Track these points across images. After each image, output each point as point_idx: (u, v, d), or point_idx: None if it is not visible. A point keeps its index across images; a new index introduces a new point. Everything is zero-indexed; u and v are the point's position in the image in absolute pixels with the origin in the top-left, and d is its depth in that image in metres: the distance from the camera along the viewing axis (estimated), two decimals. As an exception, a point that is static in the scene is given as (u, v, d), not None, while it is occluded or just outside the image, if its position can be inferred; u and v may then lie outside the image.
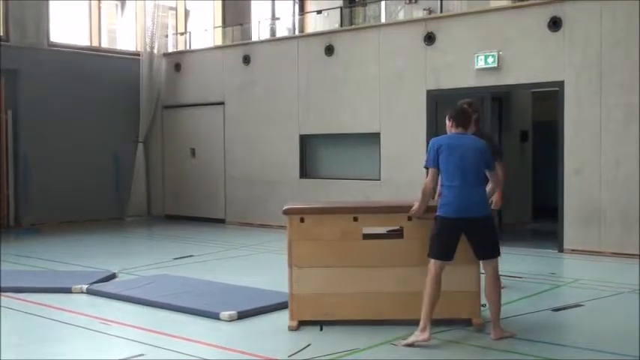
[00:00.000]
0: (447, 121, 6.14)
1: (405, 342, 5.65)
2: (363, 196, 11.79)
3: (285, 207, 6.30)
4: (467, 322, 6.15)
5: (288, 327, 6.06)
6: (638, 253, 9.55)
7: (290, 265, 6.19)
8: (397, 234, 6.28)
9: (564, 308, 6.91)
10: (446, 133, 6.16)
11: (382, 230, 6.44)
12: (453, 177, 5.80)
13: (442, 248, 5.77)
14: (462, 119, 6.10)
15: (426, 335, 5.63)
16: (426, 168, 6.01)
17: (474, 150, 5.91)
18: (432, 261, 5.77)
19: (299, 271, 6.16)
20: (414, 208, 6.06)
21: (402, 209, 6.20)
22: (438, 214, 5.83)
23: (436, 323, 5.82)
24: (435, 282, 5.70)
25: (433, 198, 6.17)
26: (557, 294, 7.77)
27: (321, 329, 6.09)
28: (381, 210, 6.45)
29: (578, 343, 5.75)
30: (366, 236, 6.27)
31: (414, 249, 6.12)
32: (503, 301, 6.16)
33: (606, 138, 9.98)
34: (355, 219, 6.23)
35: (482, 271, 5.98)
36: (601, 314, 6.75)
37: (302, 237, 6.18)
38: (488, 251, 5.86)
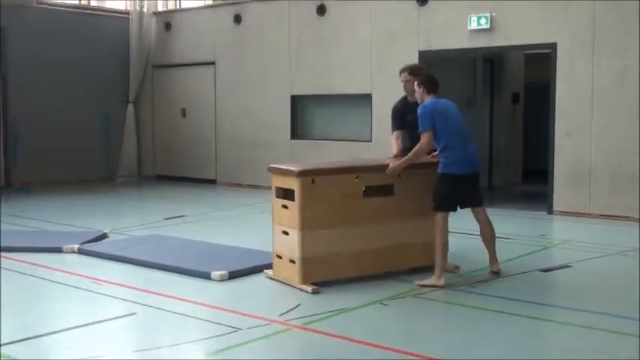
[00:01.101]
0: (417, 87, 6.57)
1: (422, 282, 6.25)
2: (352, 157, 11.77)
3: (297, 169, 6.15)
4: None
5: (312, 290, 5.96)
6: (624, 215, 9.65)
7: (302, 228, 6.05)
8: (389, 190, 6.51)
9: (553, 269, 6.98)
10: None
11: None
12: (455, 138, 6.35)
13: (453, 202, 6.40)
14: (433, 85, 6.55)
15: (442, 281, 6.23)
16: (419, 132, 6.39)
17: (458, 112, 6.52)
18: (440, 214, 6.31)
19: (310, 233, 6.09)
20: (392, 165, 6.45)
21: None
22: (447, 172, 6.32)
23: (407, 272, 6.53)
24: (445, 233, 6.34)
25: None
26: (546, 255, 7.84)
27: (311, 290, 6.13)
28: (382, 168, 6.52)
29: (567, 303, 5.83)
30: (366, 194, 6.38)
31: (405, 203, 6.53)
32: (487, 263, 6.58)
33: (598, 100, 9.97)
34: (357, 177, 6.34)
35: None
36: (589, 275, 6.81)
37: (313, 199, 6.10)
38: (481, 198, 6.65)
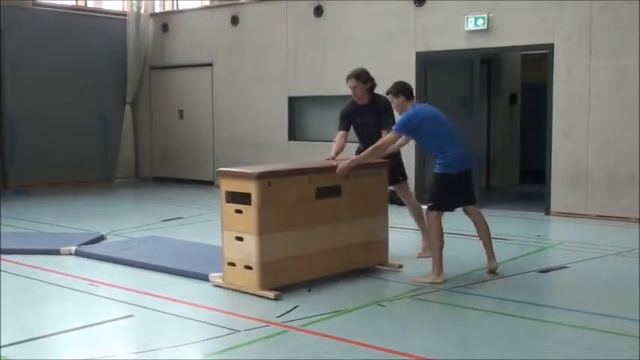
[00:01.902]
0: (395, 98, 6.67)
1: (421, 280, 6.38)
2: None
3: (256, 172, 5.95)
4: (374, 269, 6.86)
5: (274, 296, 5.83)
6: (622, 216, 9.68)
7: (260, 233, 5.89)
8: (336, 191, 6.52)
9: (550, 270, 6.99)
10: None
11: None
12: (451, 139, 6.48)
13: (451, 201, 6.51)
14: (410, 93, 6.70)
15: (441, 279, 6.36)
16: (392, 131, 6.53)
17: (445, 116, 6.64)
18: (435, 214, 6.45)
19: (268, 237, 5.94)
20: (342, 165, 6.48)
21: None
22: (446, 172, 6.41)
23: (351, 273, 6.57)
24: (441, 231, 6.45)
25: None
26: (543, 256, 7.85)
27: (309, 290, 6.14)
28: (332, 169, 6.56)
29: (564, 304, 5.84)
30: (317, 195, 6.34)
31: (353, 204, 6.61)
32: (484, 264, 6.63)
33: (595, 101, 9.99)
34: (310, 179, 6.29)
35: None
36: (586, 276, 6.82)
37: (270, 202, 5.95)
38: (475, 196, 6.75)
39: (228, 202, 6.16)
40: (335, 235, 6.47)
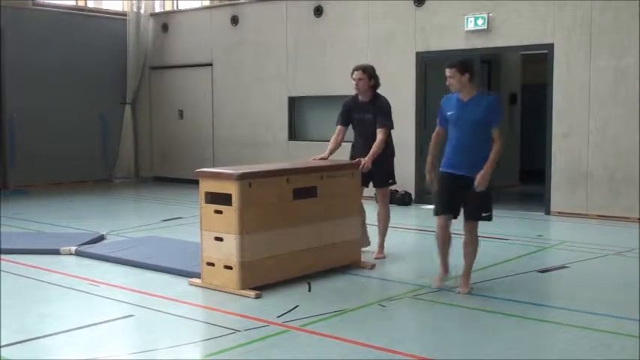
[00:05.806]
0: (461, 76, 5.89)
1: (436, 284, 6.17)
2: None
3: (237, 173, 5.99)
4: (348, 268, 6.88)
5: (255, 296, 5.87)
6: (622, 216, 9.68)
7: (240, 233, 5.93)
8: (312, 192, 6.55)
9: (550, 270, 6.99)
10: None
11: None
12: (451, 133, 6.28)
13: (439, 203, 6.24)
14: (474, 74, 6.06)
15: (438, 282, 6.19)
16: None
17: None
18: (436, 218, 6.21)
19: (248, 237, 5.98)
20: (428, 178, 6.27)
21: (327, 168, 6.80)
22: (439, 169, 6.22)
23: (350, 273, 6.67)
24: (439, 234, 6.20)
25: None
26: (543, 256, 7.84)
27: (310, 290, 6.14)
28: (308, 170, 6.66)
29: (563, 304, 5.83)
30: (296, 196, 6.38)
31: (329, 204, 6.67)
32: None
33: (595, 101, 9.99)
34: (288, 180, 6.32)
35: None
36: (586, 276, 6.82)
37: (250, 202, 5.99)
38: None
39: (207, 202, 6.21)
40: (311, 234, 6.53)
